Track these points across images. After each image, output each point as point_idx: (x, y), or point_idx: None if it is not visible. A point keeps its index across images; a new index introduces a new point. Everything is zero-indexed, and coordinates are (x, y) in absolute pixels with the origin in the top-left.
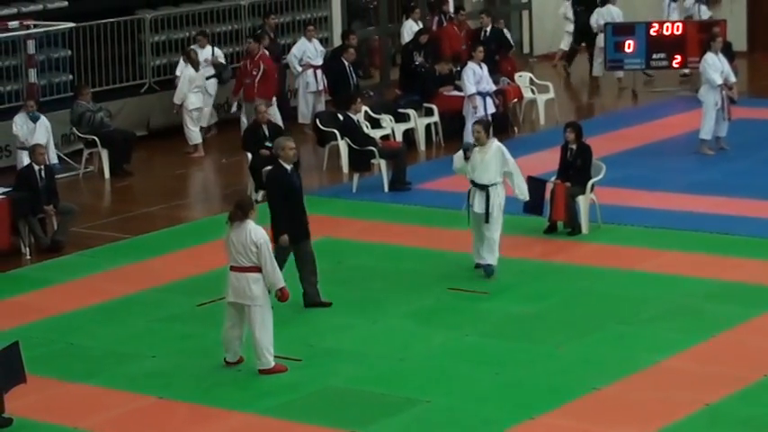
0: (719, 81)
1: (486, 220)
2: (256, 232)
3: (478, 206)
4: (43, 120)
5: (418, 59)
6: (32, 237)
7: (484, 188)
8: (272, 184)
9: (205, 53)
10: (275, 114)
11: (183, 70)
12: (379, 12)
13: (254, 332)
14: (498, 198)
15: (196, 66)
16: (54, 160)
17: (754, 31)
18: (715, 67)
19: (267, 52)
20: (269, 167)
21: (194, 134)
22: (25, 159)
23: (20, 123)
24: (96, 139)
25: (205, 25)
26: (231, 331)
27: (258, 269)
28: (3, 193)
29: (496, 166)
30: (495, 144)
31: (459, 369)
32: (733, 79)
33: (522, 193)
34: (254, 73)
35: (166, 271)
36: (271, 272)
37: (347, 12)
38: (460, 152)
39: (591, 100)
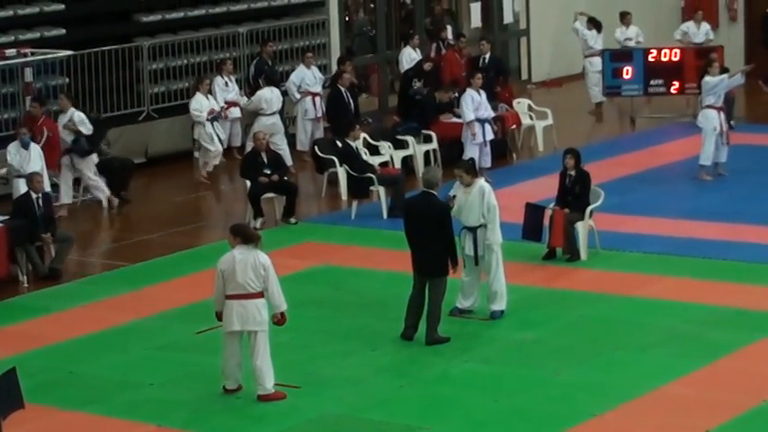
0: (729, 77)
1: (476, 263)
2: (262, 255)
3: (468, 248)
4: (35, 146)
5: (417, 85)
6: (30, 265)
7: (472, 230)
8: (447, 213)
9: (65, 117)
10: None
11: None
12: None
13: (258, 358)
14: (489, 240)
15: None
16: (47, 188)
17: (752, 56)
18: (716, 80)
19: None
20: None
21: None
22: (22, 187)
23: (13, 152)
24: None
25: (203, 53)
26: (231, 359)
27: (262, 294)
28: (0, 222)
29: (480, 207)
30: (478, 185)
31: (459, 396)
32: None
33: (488, 239)
34: (38, 140)
35: (165, 298)
36: (277, 293)
37: (346, 38)
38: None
39: (589, 126)
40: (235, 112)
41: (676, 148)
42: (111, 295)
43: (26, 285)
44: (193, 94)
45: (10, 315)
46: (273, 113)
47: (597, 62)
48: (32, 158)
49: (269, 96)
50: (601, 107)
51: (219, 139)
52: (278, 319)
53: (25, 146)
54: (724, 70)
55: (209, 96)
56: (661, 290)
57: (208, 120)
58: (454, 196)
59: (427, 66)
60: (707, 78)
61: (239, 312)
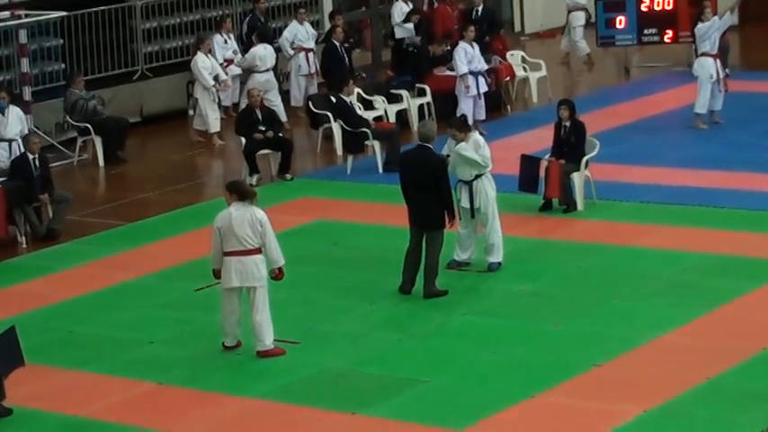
0: (719, 17)
1: (472, 216)
2: (259, 211)
3: (464, 201)
4: (14, 109)
5: (407, 33)
6: (28, 225)
7: (468, 182)
8: (444, 166)
9: None
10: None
11: None
12: None
13: (257, 314)
14: (483, 191)
15: None
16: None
17: (746, 3)
18: (708, 24)
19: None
20: (443, 155)
21: None
22: None
23: None
24: (90, 126)
25: (196, 11)
26: (231, 316)
27: (260, 250)
28: None
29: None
30: (473, 138)
31: (458, 348)
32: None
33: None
34: None
35: (163, 257)
36: (275, 248)
37: None
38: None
39: (583, 77)
40: (234, 70)
41: (671, 96)
42: (110, 254)
43: (24, 246)
44: (194, 54)
45: (9, 276)
46: (267, 70)
47: (581, 16)
48: (10, 122)
49: (262, 53)
50: (592, 58)
51: (219, 102)
52: (276, 274)
53: (1, 110)
54: None
55: (210, 56)
56: (659, 239)
57: (213, 87)
58: (448, 156)
59: (414, 18)
60: (699, 25)
61: (238, 269)
